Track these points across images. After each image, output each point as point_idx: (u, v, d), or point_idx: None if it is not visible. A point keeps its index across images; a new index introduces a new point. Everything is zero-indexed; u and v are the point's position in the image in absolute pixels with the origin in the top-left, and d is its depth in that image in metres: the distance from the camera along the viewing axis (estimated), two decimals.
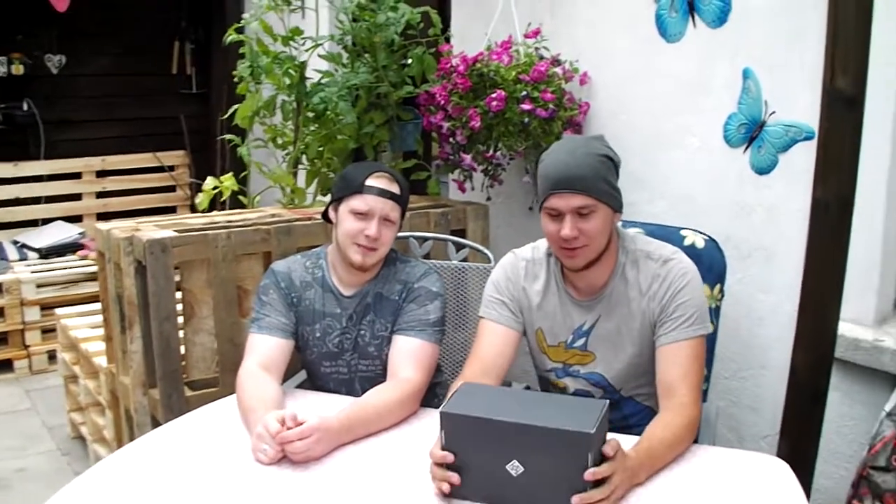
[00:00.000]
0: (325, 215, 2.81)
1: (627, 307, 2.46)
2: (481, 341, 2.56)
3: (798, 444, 2.83)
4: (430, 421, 2.46)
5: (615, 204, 2.40)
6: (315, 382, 2.85)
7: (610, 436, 1.98)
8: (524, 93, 3.43)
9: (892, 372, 2.83)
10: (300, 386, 2.87)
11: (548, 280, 2.56)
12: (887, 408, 2.67)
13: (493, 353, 2.52)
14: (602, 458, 1.91)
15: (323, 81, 3.87)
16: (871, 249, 2.90)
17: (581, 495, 1.87)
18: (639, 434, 2.23)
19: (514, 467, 1.90)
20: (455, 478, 1.96)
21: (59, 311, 4.86)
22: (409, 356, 2.61)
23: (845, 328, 2.87)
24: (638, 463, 2.03)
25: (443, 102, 3.58)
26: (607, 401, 2.01)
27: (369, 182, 2.63)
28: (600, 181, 2.35)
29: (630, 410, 2.58)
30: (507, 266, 2.63)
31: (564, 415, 1.92)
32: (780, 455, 2.64)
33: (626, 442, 2.04)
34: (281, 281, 2.74)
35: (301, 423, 2.18)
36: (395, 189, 2.68)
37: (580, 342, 2.53)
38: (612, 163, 2.41)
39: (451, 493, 1.97)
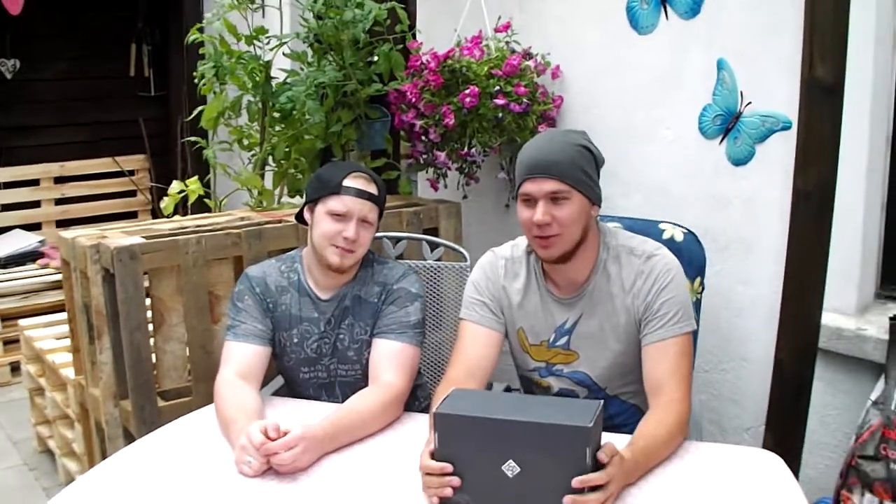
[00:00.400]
0: (299, 217, 2.75)
1: (611, 304, 2.43)
2: (463, 343, 2.52)
3: (784, 435, 2.82)
4: (413, 425, 2.42)
5: (591, 195, 2.36)
6: (294, 389, 2.79)
7: (604, 438, 1.93)
8: (497, 87, 3.39)
9: (876, 360, 2.83)
10: (277, 392, 2.81)
11: (528, 278, 2.52)
12: (873, 396, 2.67)
13: (477, 355, 2.48)
14: (596, 464, 1.86)
15: (289, 81, 3.80)
16: (851, 238, 2.90)
17: (575, 497, 1.83)
18: (627, 433, 2.20)
19: (511, 468, 1.86)
20: (456, 480, 1.90)
21: (21, 321, 4.76)
22: (390, 360, 2.56)
23: (827, 318, 2.86)
24: (633, 464, 1.99)
25: (414, 100, 3.54)
26: (601, 401, 1.96)
27: (347, 182, 2.58)
28: (576, 169, 2.32)
29: (615, 410, 2.54)
30: (486, 265, 2.58)
31: (560, 412, 1.88)
32: (765, 447, 2.63)
33: (619, 441, 1.99)
34: (256, 286, 2.67)
35: (285, 433, 2.11)
36: (372, 189, 2.62)
37: (562, 340, 2.49)
38: (592, 155, 2.38)
39: (446, 500, 1.92)
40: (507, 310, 2.54)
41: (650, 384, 2.33)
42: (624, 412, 2.54)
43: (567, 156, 2.32)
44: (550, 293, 2.49)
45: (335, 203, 2.56)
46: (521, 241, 2.56)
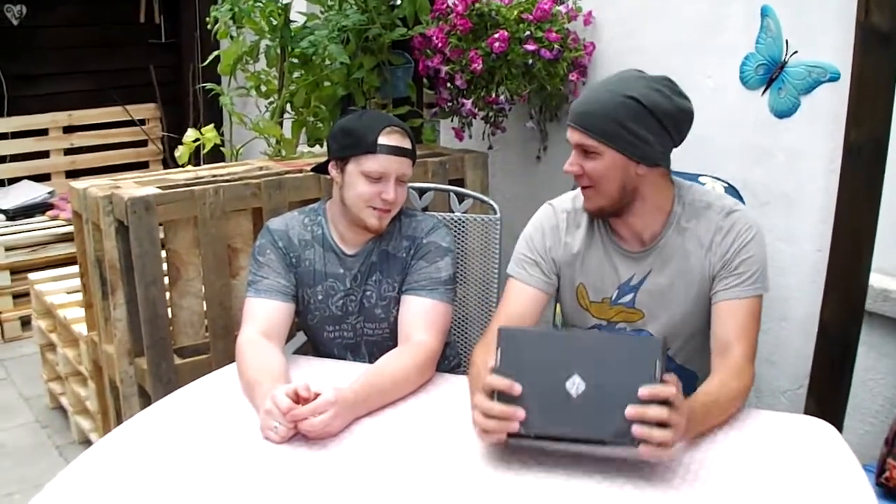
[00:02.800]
0: (320, 169, 2.62)
1: (685, 261, 2.30)
2: (508, 301, 2.40)
3: (826, 399, 2.77)
4: (446, 387, 2.33)
5: (631, 152, 2.20)
6: (318, 348, 2.68)
7: None
8: (527, 32, 3.28)
9: None
10: (299, 351, 2.71)
11: (591, 229, 2.40)
12: None
13: (523, 317, 2.36)
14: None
15: (308, 25, 3.67)
16: None
17: (637, 407, 1.74)
18: None
19: (575, 385, 1.78)
20: (521, 413, 1.80)
21: (31, 275, 4.67)
22: (421, 318, 2.45)
23: (873, 278, 2.76)
24: (692, 415, 1.87)
25: (440, 45, 3.41)
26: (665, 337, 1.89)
27: (382, 140, 2.44)
28: (611, 123, 2.17)
29: (672, 369, 2.40)
30: (543, 220, 2.46)
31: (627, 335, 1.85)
32: (806, 411, 2.57)
33: None
34: (278, 240, 2.55)
35: (315, 395, 2.00)
36: (407, 144, 2.49)
37: (627, 298, 2.37)
38: (644, 108, 2.17)
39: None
40: (567, 267, 2.42)
41: (718, 343, 2.23)
42: (680, 377, 2.41)
43: (605, 108, 2.17)
44: (617, 246, 2.37)
45: (371, 164, 2.43)
46: (579, 193, 2.43)
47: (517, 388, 1.81)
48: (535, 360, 1.82)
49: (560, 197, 2.50)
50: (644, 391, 1.74)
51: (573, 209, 2.43)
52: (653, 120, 2.18)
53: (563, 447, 1.85)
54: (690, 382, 2.39)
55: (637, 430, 1.74)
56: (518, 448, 1.89)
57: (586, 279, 2.40)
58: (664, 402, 1.75)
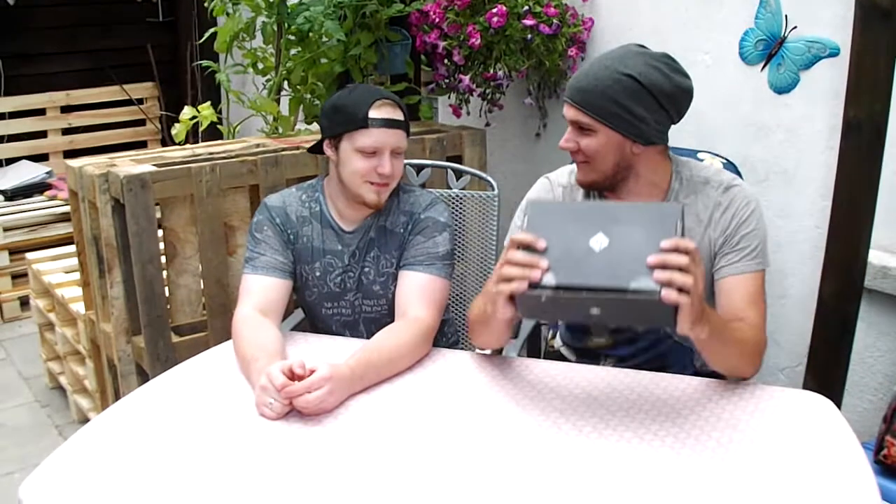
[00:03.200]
0: (316, 149, 2.60)
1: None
2: None
3: (825, 375, 2.78)
4: (443, 363, 2.31)
5: (626, 130, 2.18)
6: (316, 325, 2.67)
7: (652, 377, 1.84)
8: (526, 7, 3.27)
9: None
10: (297, 328, 2.70)
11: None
12: None
13: None
14: None
15: (305, 1, 3.64)
16: None
17: (658, 254, 1.73)
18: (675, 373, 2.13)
19: (599, 241, 1.77)
20: (545, 261, 1.78)
21: (29, 255, 4.65)
22: (418, 293, 2.43)
23: (872, 255, 2.77)
24: (708, 310, 1.88)
25: (438, 20, 3.40)
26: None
27: (373, 114, 2.40)
28: (605, 100, 2.15)
29: (666, 348, 2.42)
30: (540, 192, 2.44)
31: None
32: (805, 387, 2.57)
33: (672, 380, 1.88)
34: (276, 216, 2.54)
35: (311, 372, 1.99)
36: (399, 116, 2.46)
37: None
38: (641, 86, 2.14)
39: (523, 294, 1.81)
40: None
41: (729, 315, 2.19)
42: (675, 351, 2.42)
43: (601, 85, 2.15)
44: None
45: (364, 139, 2.40)
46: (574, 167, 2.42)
47: (541, 243, 1.79)
48: (560, 224, 1.82)
49: (557, 171, 2.48)
50: (666, 243, 1.73)
51: (569, 184, 2.41)
52: (650, 98, 2.16)
53: (582, 300, 1.78)
54: (686, 359, 2.39)
55: (659, 273, 1.72)
56: (523, 412, 1.88)
57: None
58: (685, 253, 1.74)
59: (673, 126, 2.28)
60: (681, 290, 1.71)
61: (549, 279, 1.77)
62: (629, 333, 2.42)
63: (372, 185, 2.43)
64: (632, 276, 1.73)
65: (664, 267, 1.71)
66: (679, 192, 2.29)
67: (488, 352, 2.42)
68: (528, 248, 1.80)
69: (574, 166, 2.38)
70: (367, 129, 2.40)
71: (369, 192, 2.44)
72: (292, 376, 1.99)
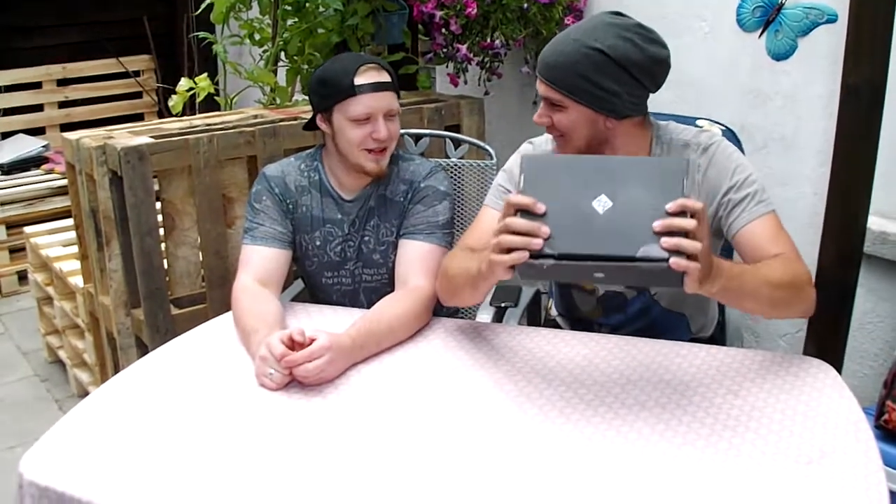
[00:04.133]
0: (310, 126, 2.60)
1: None
2: (479, 227, 2.33)
3: (825, 341, 2.77)
4: (443, 332, 2.31)
5: (599, 106, 2.12)
6: (316, 295, 2.67)
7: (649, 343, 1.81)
8: None
9: None
10: (297, 298, 2.70)
11: None
12: None
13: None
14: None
15: None
16: None
17: (664, 219, 1.67)
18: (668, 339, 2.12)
19: (602, 203, 1.71)
20: (546, 229, 1.71)
21: (27, 229, 4.63)
22: (418, 262, 2.43)
23: (871, 221, 2.76)
24: (717, 264, 1.80)
25: None
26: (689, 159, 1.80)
27: (359, 80, 2.39)
28: (575, 76, 2.08)
29: (658, 314, 2.42)
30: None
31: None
32: (805, 353, 2.56)
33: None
34: (274, 186, 2.53)
35: (311, 341, 1.99)
36: (386, 78, 2.44)
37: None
38: (609, 59, 2.07)
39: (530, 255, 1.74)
40: None
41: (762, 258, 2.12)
42: (667, 318, 2.42)
43: (568, 60, 2.08)
44: None
45: (355, 107, 2.39)
46: None
47: (541, 207, 1.73)
48: (559, 182, 1.75)
49: (540, 136, 2.44)
50: (672, 205, 1.67)
51: (551, 151, 2.38)
52: (621, 71, 2.09)
53: (586, 268, 1.74)
54: (680, 326, 2.39)
55: (666, 240, 1.66)
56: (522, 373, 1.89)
57: None
58: (692, 216, 1.69)
59: (671, 94, 2.25)
60: (689, 255, 1.67)
61: (552, 247, 1.72)
62: (617, 300, 2.42)
63: (370, 153, 2.42)
64: (638, 243, 1.68)
65: (671, 233, 1.67)
66: (661, 157, 2.25)
67: (488, 319, 2.42)
68: (526, 211, 1.74)
69: None
70: (355, 96, 2.38)
71: (368, 161, 2.43)
72: (292, 346, 1.99)
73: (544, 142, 2.41)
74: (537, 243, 1.71)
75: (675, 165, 1.73)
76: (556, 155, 1.76)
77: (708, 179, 2.20)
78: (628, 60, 2.07)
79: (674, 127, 2.31)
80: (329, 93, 2.43)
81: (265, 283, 2.39)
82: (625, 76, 2.09)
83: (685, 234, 1.66)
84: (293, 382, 2.00)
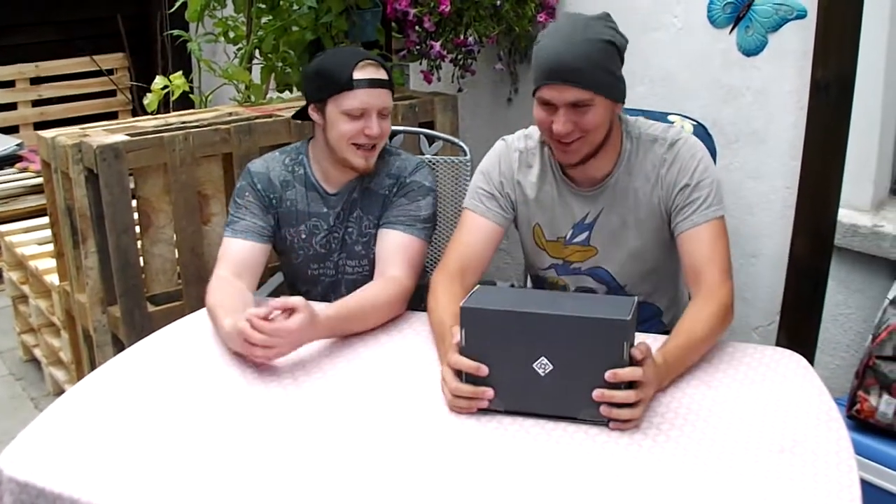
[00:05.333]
0: (300, 115, 2.60)
1: (633, 197, 2.31)
2: (462, 233, 2.40)
3: (797, 332, 2.79)
4: (419, 326, 2.33)
5: (616, 95, 2.21)
6: (299, 288, 2.70)
7: (638, 338, 1.84)
8: None
9: (894, 258, 2.77)
10: (275, 293, 2.73)
11: (543, 170, 2.39)
12: (891, 295, 2.60)
13: (476, 248, 2.39)
14: (631, 362, 1.78)
15: None
16: (867, 132, 2.79)
17: (604, 391, 1.76)
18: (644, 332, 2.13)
19: (542, 365, 1.78)
20: (490, 392, 1.83)
21: (1, 227, 4.60)
22: (396, 252, 2.46)
23: (842, 214, 2.79)
24: (665, 369, 1.90)
25: None
26: (637, 297, 1.87)
27: (357, 75, 2.40)
28: (599, 71, 2.14)
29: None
30: (500, 155, 2.44)
31: (595, 307, 1.83)
32: (778, 345, 2.60)
33: (650, 340, 1.90)
34: (257, 182, 2.56)
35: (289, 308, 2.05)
36: (383, 75, 2.46)
37: (581, 237, 2.37)
38: (615, 48, 2.17)
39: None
40: (522, 205, 2.42)
41: (689, 273, 2.24)
42: (644, 314, 2.45)
43: (590, 59, 2.12)
44: (569, 186, 2.36)
45: (350, 101, 2.40)
46: (534, 131, 2.42)
47: (484, 370, 1.82)
48: (499, 338, 1.81)
49: (514, 134, 2.47)
50: (610, 374, 1.75)
51: (525, 149, 2.42)
52: (619, 58, 2.20)
53: (533, 417, 1.84)
54: (655, 318, 2.43)
55: (605, 410, 1.77)
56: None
57: (541, 219, 2.41)
58: (631, 385, 1.78)
59: (644, 89, 2.30)
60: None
61: (498, 404, 1.83)
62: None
63: (359, 149, 2.44)
64: (579, 405, 1.79)
65: (610, 403, 1.77)
66: (631, 153, 2.31)
67: None
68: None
69: (529, 129, 2.42)
70: (352, 90, 2.40)
71: (356, 157, 2.45)
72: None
73: (518, 139, 2.44)
74: (483, 405, 1.84)
75: (615, 328, 1.76)
76: (494, 309, 1.78)
77: (670, 173, 2.27)
78: (622, 46, 2.20)
79: (643, 122, 2.37)
80: (326, 84, 2.44)
81: (241, 274, 2.43)
82: (620, 63, 2.22)
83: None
84: (269, 377, 2.02)
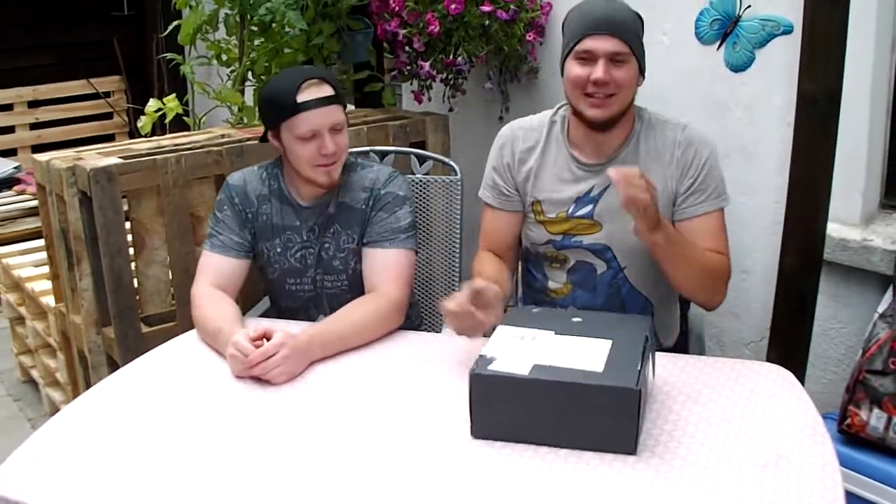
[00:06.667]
0: (264, 139, 2.62)
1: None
2: (486, 222, 2.60)
3: (788, 347, 2.80)
4: (406, 346, 2.33)
5: (642, 64, 2.36)
6: (280, 304, 2.72)
7: None
8: None
9: (882, 272, 2.76)
10: (265, 315, 2.74)
11: (547, 145, 2.48)
12: (880, 309, 2.61)
13: (499, 236, 2.57)
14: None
15: None
16: (855, 147, 2.80)
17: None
18: None
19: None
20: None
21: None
22: (384, 270, 2.48)
23: (831, 228, 2.80)
24: (665, 234, 2.14)
25: (397, 8, 3.42)
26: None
27: (301, 98, 2.40)
28: (634, 34, 2.32)
29: (626, 293, 2.49)
30: (502, 137, 2.57)
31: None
32: (769, 360, 2.60)
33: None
34: (235, 195, 2.58)
35: (263, 336, 2.13)
36: (328, 91, 2.45)
37: (585, 210, 2.42)
38: (641, 24, 2.38)
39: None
40: (522, 184, 2.50)
41: None
42: (637, 307, 2.50)
43: (630, 19, 2.32)
44: (575, 159, 2.43)
45: (299, 126, 2.41)
46: (546, 113, 2.53)
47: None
48: (507, 409, 1.82)
49: (523, 118, 2.59)
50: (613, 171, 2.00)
51: (530, 126, 2.52)
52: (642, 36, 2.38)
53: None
54: (645, 312, 2.47)
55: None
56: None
57: (541, 194, 2.46)
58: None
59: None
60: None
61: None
62: (585, 270, 2.50)
63: (319, 167, 2.45)
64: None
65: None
66: (641, 132, 2.41)
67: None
68: None
69: (541, 114, 2.54)
70: (298, 114, 2.40)
71: (320, 175, 2.47)
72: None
73: (523, 119, 2.57)
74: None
75: (627, 396, 1.75)
76: (503, 372, 1.81)
77: (685, 156, 2.38)
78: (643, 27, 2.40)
79: (653, 109, 2.48)
80: (273, 111, 2.46)
81: (223, 289, 2.49)
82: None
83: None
84: (262, 396, 2.04)
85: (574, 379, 1.77)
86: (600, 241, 2.43)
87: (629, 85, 2.31)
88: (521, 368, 1.81)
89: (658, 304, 2.52)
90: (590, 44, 2.26)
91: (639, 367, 1.79)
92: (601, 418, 1.77)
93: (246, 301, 2.71)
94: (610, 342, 1.90)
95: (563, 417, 1.79)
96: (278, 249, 2.59)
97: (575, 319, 2.03)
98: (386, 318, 2.36)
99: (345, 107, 2.53)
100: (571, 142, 2.44)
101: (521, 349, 1.89)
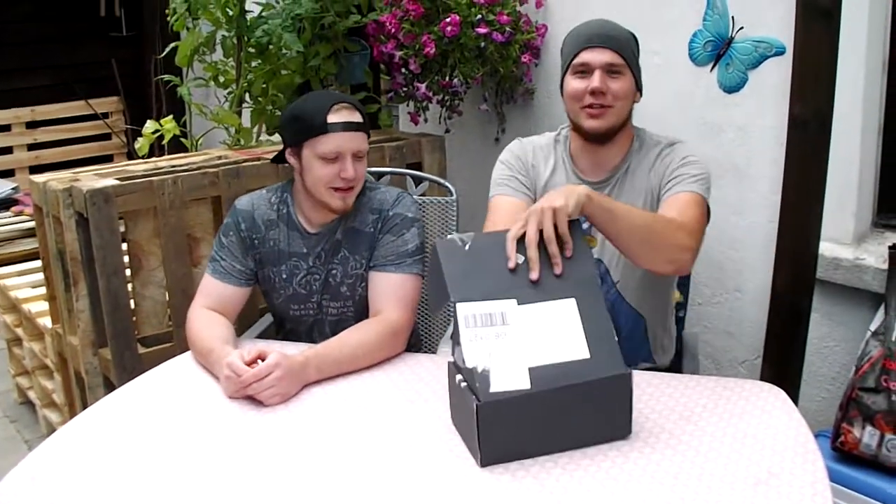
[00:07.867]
0: (278, 159, 2.63)
1: (633, 190, 2.43)
2: (494, 213, 2.47)
3: (781, 366, 2.82)
4: (402, 367, 2.33)
5: (637, 79, 2.43)
6: (284, 327, 2.72)
7: None
8: (479, 16, 3.32)
9: (875, 290, 2.78)
10: (263, 335, 2.74)
11: (556, 163, 2.52)
12: (873, 327, 2.62)
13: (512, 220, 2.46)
14: None
15: (264, 14, 3.67)
16: (847, 167, 2.82)
17: None
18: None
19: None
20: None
21: None
22: (388, 294, 2.47)
23: (824, 247, 2.83)
24: (598, 198, 2.07)
25: (394, 31, 3.44)
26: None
27: (331, 119, 2.41)
28: (629, 49, 2.40)
29: (620, 313, 2.48)
30: (515, 148, 2.59)
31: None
32: (763, 378, 2.61)
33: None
34: (242, 221, 2.58)
35: (257, 358, 2.13)
36: (358, 118, 2.47)
37: (584, 225, 2.40)
38: (637, 44, 2.46)
39: None
40: (534, 185, 2.53)
41: None
42: (630, 323, 2.50)
43: (624, 35, 2.41)
44: (578, 177, 2.48)
45: (324, 145, 2.41)
46: (548, 134, 2.60)
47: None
48: (512, 428, 1.82)
49: (528, 137, 2.63)
50: None
51: (539, 144, 2.56)
52: (638, 55, 2.46)
53: None
54: (638, 327, 2.48)
55: None
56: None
57: None
58: None
59: None
60: None
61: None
62: None
63: (336, 191, 2.45)
64: None
65: None
66: (637, 151, 2.46)
67: (449, 351, 2.46)
68: None
69: (546, 134, 2.58)
70: (326, 134, 2.41)
71: (334, 199, 2.46)
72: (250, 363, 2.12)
73: (531, 138, 2.60)
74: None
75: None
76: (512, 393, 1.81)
77: (667, 159, 2.43)
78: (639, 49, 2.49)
79: (651, 131, 2.53)
80: (301, 128, 2.46)
81: (220, 311, 2.50)
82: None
83: None
84: (257, 417, 2.05)
85: (574, 379, 1.79)
86: (595, 256, 2.44)
87: (625, 96, 2.37)
88: (520, 378, 1.79)
89: (651, 319, 2.53)
90: (586, 56, 2.36)
91: (615, 336, 1.84)
92: (598, 408, 1.82)
93: (241, 322, 2.72)
94: (573, 301, 1.88)
95: (564, 418, 1.81)
96: (283, 276, 2.59)
97: (520, 261, 1.93)
98: (386, 344, 2.35)
99: (369, 136, 2.54)
100: (573, 160, 2.50)
101: (500, 345, 1.83)
